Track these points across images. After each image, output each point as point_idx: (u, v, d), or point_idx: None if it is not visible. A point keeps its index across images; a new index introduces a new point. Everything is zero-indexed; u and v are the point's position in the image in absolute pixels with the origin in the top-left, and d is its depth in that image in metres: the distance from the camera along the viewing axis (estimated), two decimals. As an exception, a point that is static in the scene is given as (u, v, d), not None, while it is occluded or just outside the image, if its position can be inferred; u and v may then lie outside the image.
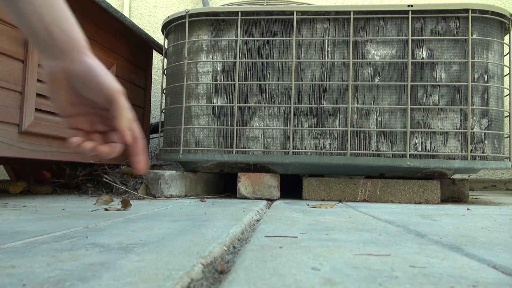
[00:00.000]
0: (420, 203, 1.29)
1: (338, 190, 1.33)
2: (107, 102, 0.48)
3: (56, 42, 0.47)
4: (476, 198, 1.65)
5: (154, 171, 1.31)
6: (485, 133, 1.30)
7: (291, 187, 1.74)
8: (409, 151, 1.29)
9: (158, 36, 2.27)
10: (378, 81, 1.33)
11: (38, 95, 1.13)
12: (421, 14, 1.31)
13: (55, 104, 0.50)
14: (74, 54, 0.47)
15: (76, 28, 0.49)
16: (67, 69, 0.47)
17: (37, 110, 1.13)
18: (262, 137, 1.36)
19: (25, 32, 0.46)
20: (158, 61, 2.47)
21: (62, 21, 0.47)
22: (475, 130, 1.29)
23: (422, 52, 1.32)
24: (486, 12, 1.31)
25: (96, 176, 1.54)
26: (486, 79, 1.31)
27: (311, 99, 1.35)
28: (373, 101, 1.32)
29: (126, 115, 0.49)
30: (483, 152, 1.30)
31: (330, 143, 1.33)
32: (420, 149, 1.30)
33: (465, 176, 2.19)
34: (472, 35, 1.30)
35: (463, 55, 1.30)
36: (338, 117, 1.34)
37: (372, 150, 1.31)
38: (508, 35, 1.40)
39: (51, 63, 0.48)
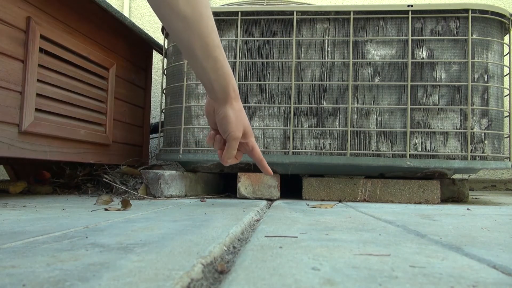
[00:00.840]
0: (420, 203, 1.30)
1: (338, 190, 1.33)
2: (225, 139, 0.74)
3: (214, 91, 0.69)
4: (476, 198, 1.65)
5: (154, 171, 1.31)
6: (485, 133, 1.30)
7: (291, 187, 1.74)
8: (409, 151, 1.29)
9: (158, 36, 2.28)
10: (378, 81, 1.33)
11: (38, 95, 1.13)
12: (421, 14, 1.31)
13: (207, 118, 0.76)
14: (222, 103, 0.70)
15: (230, 84, 0.69)
16: (215, 108, 0.72)
17: (37, 110, 1.13)
18: (262, 137, 1.36)
19: (199, 80, 0.70)
20: (158, 61, 2.47)
21: (221, 80, 0.68)
22: (475, 130, 1.29)
23: (422, 52, 1.32)
24: (486, 12, 1.31)
25: (96, 176, 1.55)
26: (486, 79, 1.31)
27: (311, 99, 1.35)
28: (373, 101, 1.32)
29: (231, 153, 0.75)
30: (483, 152, 1.30)
31: (330, 143, 1.33)
32: (420, 149, 1.30)
33: (465, 176, 2.19)
34: (472, 35, 1.30)
35: (463, 55, 1.30)
36: (338, 117, 1.34)
37: (372, 150, 1.31)
38: (508, 35, 1.40)
39: (209, 100, 0.72)
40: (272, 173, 0.85)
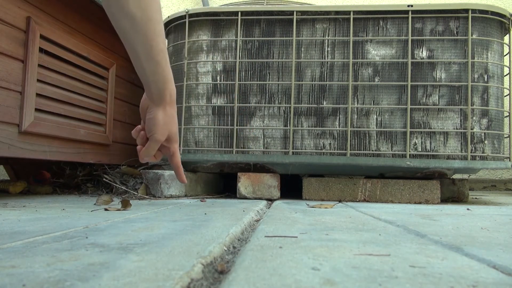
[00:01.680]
0: (420, 203, 1.30)
1: (338, 190, 1.33)
2: (148, 138, 0.75)
3: (151, 92, 0.71)
4: (476, 198, 1.65)
5: (154, 171, 1.31)
6: (485, 133, 1.30)
7: (291, 187, 1.74)
8: (409, 151, 1.29)
9: (158, 36, 2.27)
10: (378, 81, 1.33)
11: (38, 95, 1.13)
12: (421, 14, 1.31)
13: (140, 112, 0.77)
14: (156, 104, 0.71)
15: (167, 89, 0.70)
16: (148, 107, 0.73)
17: (37, 110, 1.13)
18: (262, 137, 1.36)
19: (139, 77, 0.71)
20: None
21: (159, 84, 0.69)
22: (475, 130, 1.29)
23: (422, 52, 1.32)
24: (486, 12, 1.31)
25: (96, 176, 1.55)
26: (486, 79, 1.31)
27: (311, 99, 1.35)
28: (373, 101, 1.32)
29: (149, 152, 0.75)
30: (483, 152, 1.30)
31: (330, 143, 1.33)
32: (420, 149, 1.30)
33: (465, 176, 2.19)
34: (472, 35, 1.30)
35: (463, 55, 1.30)
36: (338, 117, 1.34)
37: (372, 150, 1.31)
38: (508, 35, 1.40)
39: (145, 97, 0.74)
40: (186, 181, 0.85)
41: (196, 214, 0.82)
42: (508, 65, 1.39)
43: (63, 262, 0.38)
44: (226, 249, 0.49)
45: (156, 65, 0.67)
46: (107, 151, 1.50)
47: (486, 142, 1.30)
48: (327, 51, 1.35)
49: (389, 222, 0.75)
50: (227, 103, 1.38)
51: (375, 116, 1.32)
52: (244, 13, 1.38)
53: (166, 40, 1.57)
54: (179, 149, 1.40)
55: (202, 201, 1.22)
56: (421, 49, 1.32)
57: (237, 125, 1.37)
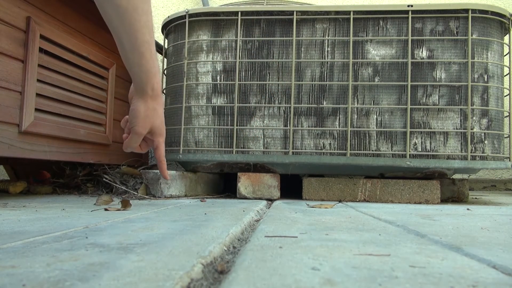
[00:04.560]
0: (420, 203, 1.30)
1: (338, 190, 1.33)
2: (130, 129, 0.74)
3: (135, 83, 0.71)
4: (476, 198, 1.65)
5: (154, 171, 1.31)
6: (485, 133, 1.30)
7: (291, 187, 1.74)
8: (409, 151, 1.29)
9: (158, 36, 2.27)
10: (378, 81, 1.33)
11: (38, 95, 1.13)
12: (421, 14, 1.31)
13: (129, 101, 0.77)
14: (139, 96, 0.72)
15: (149, 82, 0.70)
16: (133, 97, 0.73)
17: (37, 110, 1.13)
18: (262, 137, 1.36)
19: (125, 66, 0.72)
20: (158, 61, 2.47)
21: (142, 75, 0.69)
22: (475, 130, 1.29)
23: (422, 52, 1.32)
24: (486, 12, 1.31)
25: (96, 176, 1.55)
26: (486, 79, 1.31)
27: (311, 99, 1.35)
28: (373, 101, 1.32)
29: (131, 144, 0.74)
30: (483, 152, 1.30)
31: (330, 143, 1.33)
32: (420, 149, 1.30)
33: (465, 176, 2.19)
34: (472, 35, 1.30)
35: (463, 55, 1.30)
36: (338, 117, 1.34)
37: (372, 150, 1.31)
38: (508, 35, 1.40)
39: (132, 87, 0.74)
40: (168, 177, 0.85)
41: (196, 214, 0.82)
42: (508, 65, 1.39)
43: (63, 262, 0.38)
44: (226, 249, 0.49)
45: (140, 57, 0.67)
46: (107, 151, 1.50)
47: (486, 142, 1.30)
48: (327, 51, 1.35)
49: (389, 222, 0.75)
50: (227, 103, 1.38)
51: (375, 116, 1.32)
52: (244, 13, 1.38)
53: (166, 41, 1.57)
54: (179, 150, 1.40)
55: (202, 201, 1.22)
56: (421, 49, 1.32)
57: (237, 125, 1.37)
